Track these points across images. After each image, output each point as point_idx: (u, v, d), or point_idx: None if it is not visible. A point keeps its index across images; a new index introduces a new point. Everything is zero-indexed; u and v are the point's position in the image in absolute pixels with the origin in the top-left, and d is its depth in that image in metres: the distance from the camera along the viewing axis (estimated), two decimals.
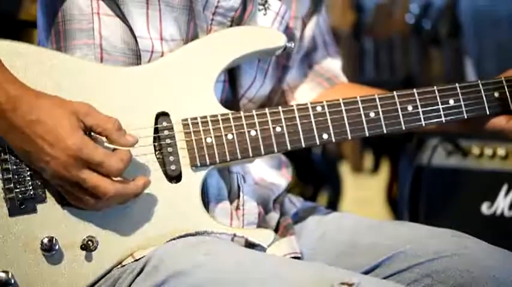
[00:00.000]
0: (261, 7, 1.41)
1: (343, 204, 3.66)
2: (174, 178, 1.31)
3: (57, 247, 1.26)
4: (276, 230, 1.44)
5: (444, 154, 2.24)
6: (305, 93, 1.57)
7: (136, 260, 1.28)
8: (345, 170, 3.74)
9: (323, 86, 1.58)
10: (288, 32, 1.46)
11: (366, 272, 1.36)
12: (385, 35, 4.12)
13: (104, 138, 1.24)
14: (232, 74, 1.41)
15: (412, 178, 2.26)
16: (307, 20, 1.51)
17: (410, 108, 1.38)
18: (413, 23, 4.04)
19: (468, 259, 1.31)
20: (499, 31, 4.17)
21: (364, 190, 3.68)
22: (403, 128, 1.37)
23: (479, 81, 1.42)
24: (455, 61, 3.98)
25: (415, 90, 1.38)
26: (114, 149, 1.24)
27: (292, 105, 1.34)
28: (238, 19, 1.39)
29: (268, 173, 1.49)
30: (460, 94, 1.40)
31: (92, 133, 1.24)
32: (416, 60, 4.05)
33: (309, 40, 1.55)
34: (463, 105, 1.40)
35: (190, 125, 1.31)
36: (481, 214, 2.18)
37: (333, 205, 3.60)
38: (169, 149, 1.30)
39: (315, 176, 3.66)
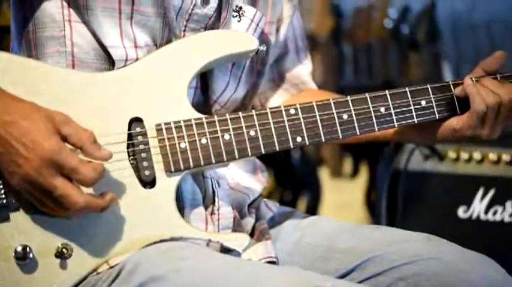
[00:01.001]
0: (235, 14, 1.41)
1: (322, 208, 3.67)
2: (148, 183, 1.30)
3: (31, 255, 1.25)
4: (251, 235, 1.43)
5: (421, 158, 2.25)
6: (271, 99, 1.57)
7: (112, 267, 1.27)
8: (324, 174, 3.76)
9: (290, 93, 1.59)
10: (263, 37, 1.46)
11: (342, 276, 1.37)
12: (364, 40, 4.15)
13: (78, 150, 1.23)
14: (204, 80, 1.40)
15: (389, 182, 2.27)
16: (279, 24, 1.51)
17: (383, 109, 1.38)
18: (392, 27, 4.07)
19: (442, 263, 1.32)
20: (476, 35, 4.21)
21: (344, 195, 3.70)
22: (376, 129, 1.38)
23: (449, 82, 1.43)
24: (433, 65, 4.01)
25: (387, 91, 1.39)
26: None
27: (265, 109, 1.34)
28: (212, 26, 1.39)
29: (244, 178, 1.48)
30: (431, 95, 1.41)
31: (66, 143, 1.23)
32: (395, 65, 4.08)
33: (281, 45, 1.55)
34: (434, 107, 1.41)
35: (164, 130, 1.31)
36: (458, 217, 2.19)
37: (313, 209, 3.61)
38: (143, 155, 1.30)
39: (295, 181, 3.67)
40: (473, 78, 1.41)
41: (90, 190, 1.24)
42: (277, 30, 1.52)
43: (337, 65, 4.05)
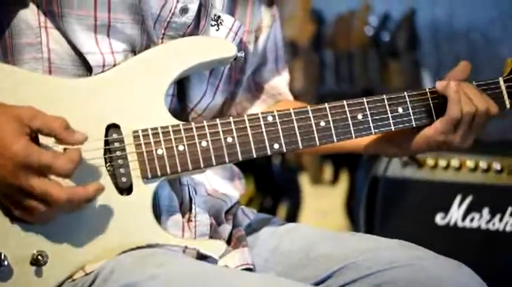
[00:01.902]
0: (213, 23, 1.41)
1: (302, 215, 3.68)
2: (125, 190, 1.30)
3: (6, 262, 1.24)
4: (228, 242, 1.43)
5: (399, 165, 2.27)
6: (248, 109, 1.57)
7: (87, 273, 1.27)
8: (304, 181, 3.77)
9: (267, 103, 1.59)
10: (242, 46, 1.46)
11: (318, 283, 1.37)
12: (345, 47, 4.16)
13: (52, 139, 1.22)
14: (181, 88, 1.41)
15: (368, 189, 2.28)
16: (258, 34, 1.52)
17: (360, 116, 1.39)
18: (372, 35, 4.09)
19: (418, 270, 1.32)
20: (456, 44, 4.24)
21: (324, 201, 3.71)
22: (353, 136, 1.38)
23: (427, 89, 1.43)
24: (413, 73, 4.03)
25: (364, 99, 1.40)
26: (64, 150, 1.22)
27: (243, 116, 1.34)
28: (190, 34, 1.39)
29: (221, 185, 1.49)
30: (408, 102, 1.41)
31: (40, 136, 1.22)
32: (375, 72, 4.10)
33: (259, 55, 1.55)
34: (411, 114, 1.42)
35: (141, 137, 1.31)
36: (435, 224, 2.20)
37: (293, 216, 3.62)
38: (120, 162, 1.30)
39: (275, 187, 3.67)
40: (456, 83, 1.41)
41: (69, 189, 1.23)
42: (256, 39, 1.52)
43: (318, 72, 4.07)
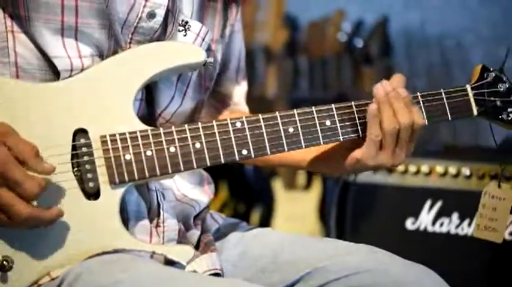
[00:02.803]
0: (181, 28, 1.41)
1: (276, 220, 3.68)
2: (92, 195, 1.30)
3: None
4: (197, 247, 1.44)
5: (370, 171, 2.28)
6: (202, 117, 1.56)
7: (53, 279, 1.26)
8: (277, 186, 3.77)
9: (218, 110, 1.59)
10: (211, 54, 1.47)
11: None
12: (319, 53, 4.18)
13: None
14: (149, 93, 1.40)
15: (339, 194, 2.29)
16: (220, 42, 1.52)
17: (328, 123, 1.39)
18: (346, 41, 4.11)
19: (384, 275, 1.33)
20: (429, 50, 4.28)
21: (297, 206, 3.71)
22: (321, 143, 1.39)
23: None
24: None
25: (333, 105, 1.40)
26: None
27: (211, 122, 1.35)
28: (158, 39, 1.39)
29: (190, 190, 1.49)
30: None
31: None
32: (349, 79, 4.11)
33: (221, 62, 1.55)
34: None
35: (109, 142, 1.31)
36: (406, 229, 2.22)
37: (266, 221, 3.62)
38: (88, 167, 1.29)
39: (248, 192, 3.67)
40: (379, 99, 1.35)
41: (34, 202, 1.23)
42: (222, 48, 1.53)
43: (291, 78, 4.08)
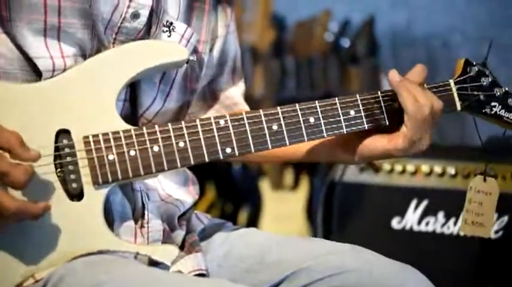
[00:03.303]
0: (165, 29, 1.41)
1: (263, 220, 3.68)
2: (76, 196, 1.29)
3: None
4: (182, 247, 1.43)
5: (356, 170, 2.28)
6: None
7: (37, 281, 1.25)
8: (265, 186, 3.77)
9: (220, 113, 1.59)
10: (197, 55, 1.46)
11: None
12: (306, 53, 4.18)
13: (6, 154, 1.21)
14: (133, 93, 1.40)
15: (325, 194, 2.29)
16: (212, 44, 1.52)
17: (312, 120, 1.39)
18: (332, 41, 4.12)
19: (368, 274, 1.33)
20: (415, 50, 4.29)
21: (285, 206, 3.72)
22: (305, 139, 1.38)
23: (379, 93, 1.42)
24: (372, 79, 4.07)
25: (317, 102, 1.40)
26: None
27: (195, 121, 1.34)
28: (141, 39, 1.38)
29: (174, 190, 1.48)
30: (360, 105, 1.41)
31: None
32: (336, 78, 4.12)
33: (214, 65, 1.55)
34: (363, 116, 1.42)
35: (92, 142, 1.30)
36: (392, 228, 2.22)
37: (253, 221, 3.62)
38: (71, 167, 1.29)
39: (235, 193, 3.67)
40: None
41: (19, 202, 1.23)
42: (211, 49, 1.52)
43: (278, 78, 4.08)
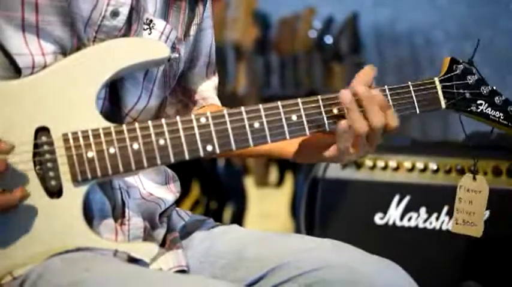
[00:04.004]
0: (146, 26, 1.41)
1: (248, 218, 3.68)
2: (55, 193, 1.29)
3: None
4: (163, 244, 1.43)
5: (339, 166, 2.29)
6: (169, 112, 1.56)
7: (15, 278, 1.25)
8: (249, 184, 3.77)
9: (189, 108, 1.58)
10: (175, 51, 1.46)
11: (251, 284, 1.37)
12: (290, 51, 4.18)
13: None
14: (114, 92, 1.40)
15: (308, 190, 2.30)
16: (186, 39, 1.51)
17: (294, 117, 1.38)
18: (316, 38, 4.12)
19: (348, 269, 1.34)
20: (398, 47, 4.31)
21: (269, 204, 3.72)
22: (288, 137, 1.38)
23: (319, 97, 1.40)
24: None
25: (299, 100, 1.39)
26: None
27: (175, 118, 1.34)
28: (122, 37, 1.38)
29: (155, 188, 1.48)
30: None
31: None
32: (320, 75, 4.12)
33: (187, 59, 1.55)
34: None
35: (71, 140, 1.29)
36: (375, 224, 2.23)
37: (238, 218, 3.62)
38: (50, 165, 1.28)
39: (220, 190, 3.67)
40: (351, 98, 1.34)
41: None
42: (186, 47, 1.52)
43: (262, 75, 4.08)
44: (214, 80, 1.62)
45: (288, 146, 1.49)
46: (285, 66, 4.18)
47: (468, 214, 1.52)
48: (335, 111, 1.39)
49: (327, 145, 1.42)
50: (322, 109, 1.39)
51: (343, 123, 1.35)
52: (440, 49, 4.08)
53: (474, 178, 1.53)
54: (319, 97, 1.40)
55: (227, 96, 3.76)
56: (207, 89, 1.60)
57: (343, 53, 4.06)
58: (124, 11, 1.37)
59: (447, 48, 4.04)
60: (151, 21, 1.41)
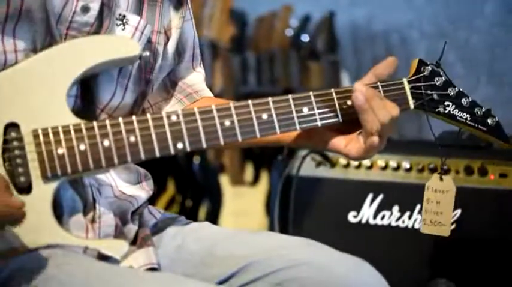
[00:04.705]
0: (119, 22, 1.40)
1: (223, 216, 3.68)
2: (24, 189, 1.28)
3: None
4: (134, 242, 1.43)
5: (313, 164, 2.29)
6: (164, 109, 1.56)
7: None
8: (225, 182, 3.77)
9: (183, 103, 1.58)
10: (151, 46, 1.46)
11: (221, 282, 1.37)
12: (266, 49, 4.19)
13: None
14: (85, 89, 1.39)
15: (282, 188, 2.30)
16: (168, 34, 1.51)
17: (265, 116, 1.39)
18: (293, 36, 4.13)
19: (319, 268, 1.34)
20: (374, 45, 4.33)
21: (245, 202, 3.72)
22: (258, 136, 1.38)
23: (332, 91, 1.43)
24: (333, 74, 4.09)
25: (269, 99, 1.40)
26: None
27: (146, 116, 1.34)
28: (94, 34, 1.37)
29: (127, 187, 1.47)
30: (314, 103, 1.42)
31: None
32: (296, 73, 4.14)
33: (172, 55, 1.54)
34: (316, 114, 1.42)
35: (41, 136, 1.29)
36: (348, 222, 2.24)
37: (213, 217, 3.62)
38: (19, 161, 1.27)
39: (195, 188, 3.67)
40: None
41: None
42: (167, 40, 1.52)
43: (239, 73, 4.08)
44: (202, 72, 1.62)
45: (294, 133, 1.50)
46: (261, 64, 4.19)
47: (436, 214, 1.54)
48: (305, 110, 1.40)
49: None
50: (293, 108, 1.39)
51: (370, 126, 1.38)
52: (416, 48, 4.11)
53: (441, 179, 1.55)
54: (290, 96, 1.40)
55: None
56: (198, 81, 1.60)
57: (319, 51, 4.07)
58: (94, 7, 1.36)
59: (422, 48, 4.07)
60: (124, 16, 1.40)
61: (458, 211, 2.10)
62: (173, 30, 1.53)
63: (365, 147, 1.41)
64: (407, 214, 2.18)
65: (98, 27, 1.38)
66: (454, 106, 1.48)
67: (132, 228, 1.45)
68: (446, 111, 1.48)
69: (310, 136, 1.47)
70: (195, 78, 1.60)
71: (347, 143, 1.43)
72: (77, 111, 1.35)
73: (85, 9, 1.35)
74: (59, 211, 1.33)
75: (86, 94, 1.39)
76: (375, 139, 1.39)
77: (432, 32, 4.05)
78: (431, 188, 1.56)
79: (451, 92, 1.49)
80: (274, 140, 1.50)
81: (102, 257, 1.30)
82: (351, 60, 4.31)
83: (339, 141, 1.44)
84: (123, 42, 1.37)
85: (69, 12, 1.34)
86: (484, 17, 3.92)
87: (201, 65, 1.63)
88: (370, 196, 2.23)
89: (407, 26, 4.18)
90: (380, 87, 1.44)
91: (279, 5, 4.20)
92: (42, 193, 1.29)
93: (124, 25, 1.40)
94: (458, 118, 1.49)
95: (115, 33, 1.40)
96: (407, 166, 2.19)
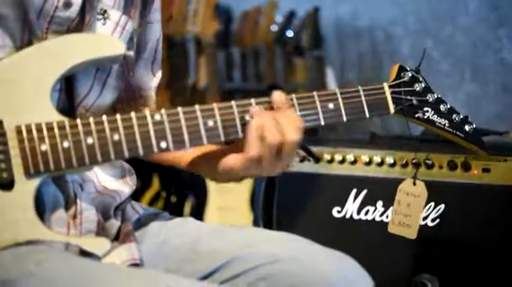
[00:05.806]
0: (100, 17, 1.40)
1: (208, 211, 3.68)
2: (6, 185, 1.27)
3: None
4: (117, 238, 1.43)
5: (297, 160, 2.29)
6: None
7: None
8: None
9: (132, 106, 1.56)
10: (132, 43, 1.45)
11: (204, 278, 1.38)
12: (251, 44, 4.19)
13: None
14: (68, 83, 1.38)
15: (266, 184, 2.30)
16: (135, 32, 1.50)
17: (247, 117, 1.39)
18: (277, 32, 4.13)
19: (301, 263, 1.34)
20: (359, 41, 4.34)
21: (230, 197, 3.72)
22: (240, 135, 1.39)
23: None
24: (317, 70, 4.09)
25: (252, 100, 1.40)
26: None
27: (130, 114, 1.34)
28: (76, 29, 1.37)
29: (111, 182, 1.47)
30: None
31: None
32: (281, 69, 4.14)
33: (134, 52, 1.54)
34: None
35: (24, 132, 1.28)
36: (333, 217, 2.24)
37: (198, 212, 3.62)
38: (1, 157, 1.27)
39: (180, 184, 3.66)
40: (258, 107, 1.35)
41: None
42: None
43: (224, 69, 4.08)
44: (159, 77, 1.60)
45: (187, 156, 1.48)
46: (246, 59, 4.19)
47: (405, 216, 1.57)
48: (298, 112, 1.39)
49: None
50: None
51: (252, 148, 1.34)
52: (400, 44, 4.12)
53: (414, 183, 1.57)
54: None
55: (188, 90, 3.75)
56: (150, 86, 1.58)
57: (304, 47, 4.07)
58: (77, 2, 1.36)
59: (407, 44, 4.08)
60: (105, 11, 1.40)
61: (442, 206, 2.11)
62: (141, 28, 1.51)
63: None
64: (391, 209, 2.19)
65: (80, 21, 1.37)
66: (433, 112, 1.51)
67: (114, 224, 1.44)
68: (425, 117, 1.50)
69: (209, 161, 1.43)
70: (153, 83, 1.58)
71: (235, 159, 1.38)
72: (62, 106, 1.35)
73: (67, 5, 1.35)
74: (41, 207, 1.33)
75: (68, 88, 1.39)
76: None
77: (416, 29, 4.07)
78: (404, 191, 1.58)
79: (430, 98, 1.51)
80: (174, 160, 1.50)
81: (84, 254, 1.30)
82: (335, 56, 4.32)
83: (229, 159, 1.39)
84: (108, 41, 1.37)
85: (50, 6, 1.34)
86: (468, 13, 3.94)
87: (160, 70, 1.60)
88: (354, 191, 2.23)
89: (391, 23, 4.19)
90: (361, 91, 1.45)
91: (264, 1, 4.19)
92: (25, 189, 1.28)
93: (105, 20, 1.40)
94: (437, 124, 1.51)
95: (96, 27, 1.39)
96: (391, 161, 2.20)
